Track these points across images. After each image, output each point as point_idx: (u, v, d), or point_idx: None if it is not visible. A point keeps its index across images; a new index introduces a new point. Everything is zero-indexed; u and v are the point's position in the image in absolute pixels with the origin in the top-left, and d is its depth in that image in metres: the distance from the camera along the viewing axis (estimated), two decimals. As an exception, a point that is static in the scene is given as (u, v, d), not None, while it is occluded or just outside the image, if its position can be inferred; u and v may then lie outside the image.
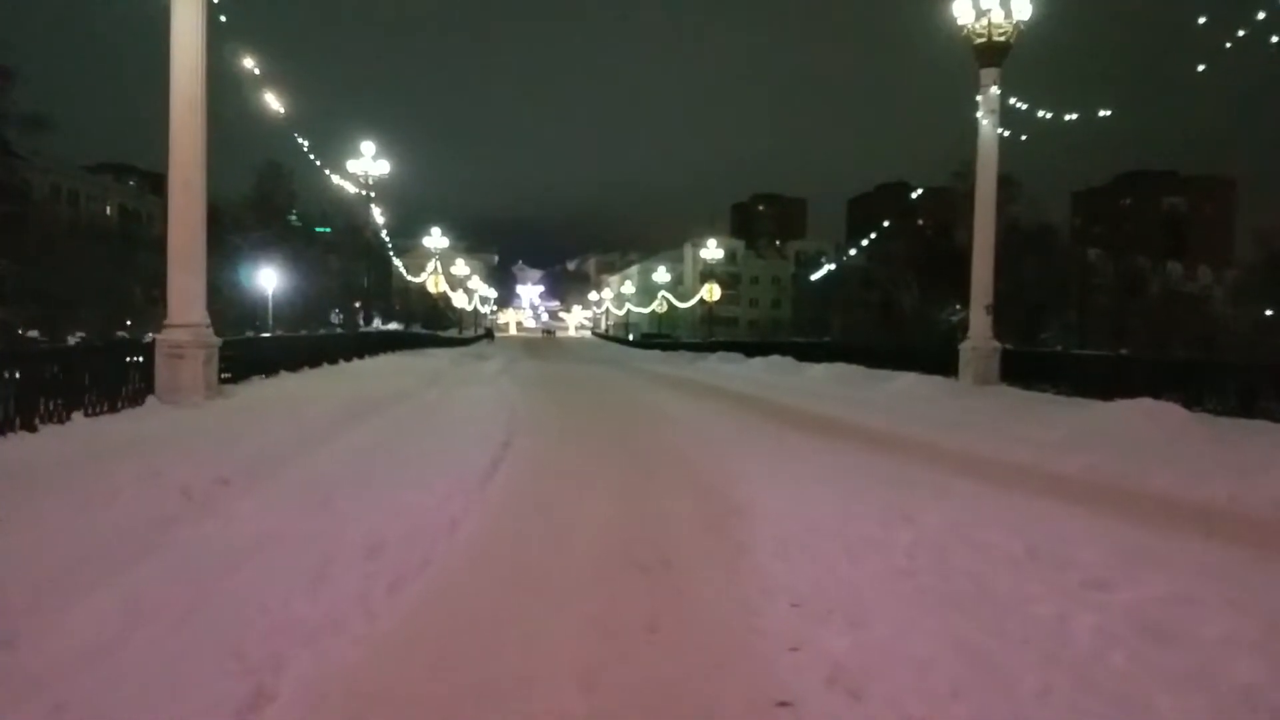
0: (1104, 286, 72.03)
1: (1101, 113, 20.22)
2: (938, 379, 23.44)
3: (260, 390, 17.51)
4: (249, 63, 19.71)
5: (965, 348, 24.14)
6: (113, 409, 13.25)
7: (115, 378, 13.80)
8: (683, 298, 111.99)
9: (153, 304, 64.23)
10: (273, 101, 21.23)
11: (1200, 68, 16.94)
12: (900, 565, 5.99)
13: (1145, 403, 14.71)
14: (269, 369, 21.01)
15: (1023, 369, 23.31)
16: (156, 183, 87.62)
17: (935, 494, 8.46)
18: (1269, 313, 70.34)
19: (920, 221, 79.77)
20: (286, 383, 19.77)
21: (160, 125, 15.39)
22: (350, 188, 34.31)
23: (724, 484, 8.98)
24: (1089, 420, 14.18)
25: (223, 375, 17.69)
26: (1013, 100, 24.15)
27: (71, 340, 34.81)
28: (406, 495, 7.96)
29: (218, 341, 15.82)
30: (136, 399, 14.09)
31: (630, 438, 12.99)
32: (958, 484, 9.16)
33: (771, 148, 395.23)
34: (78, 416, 12.12)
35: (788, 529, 6.92)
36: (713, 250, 70.35)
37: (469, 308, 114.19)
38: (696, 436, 12.97)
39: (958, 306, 63.85)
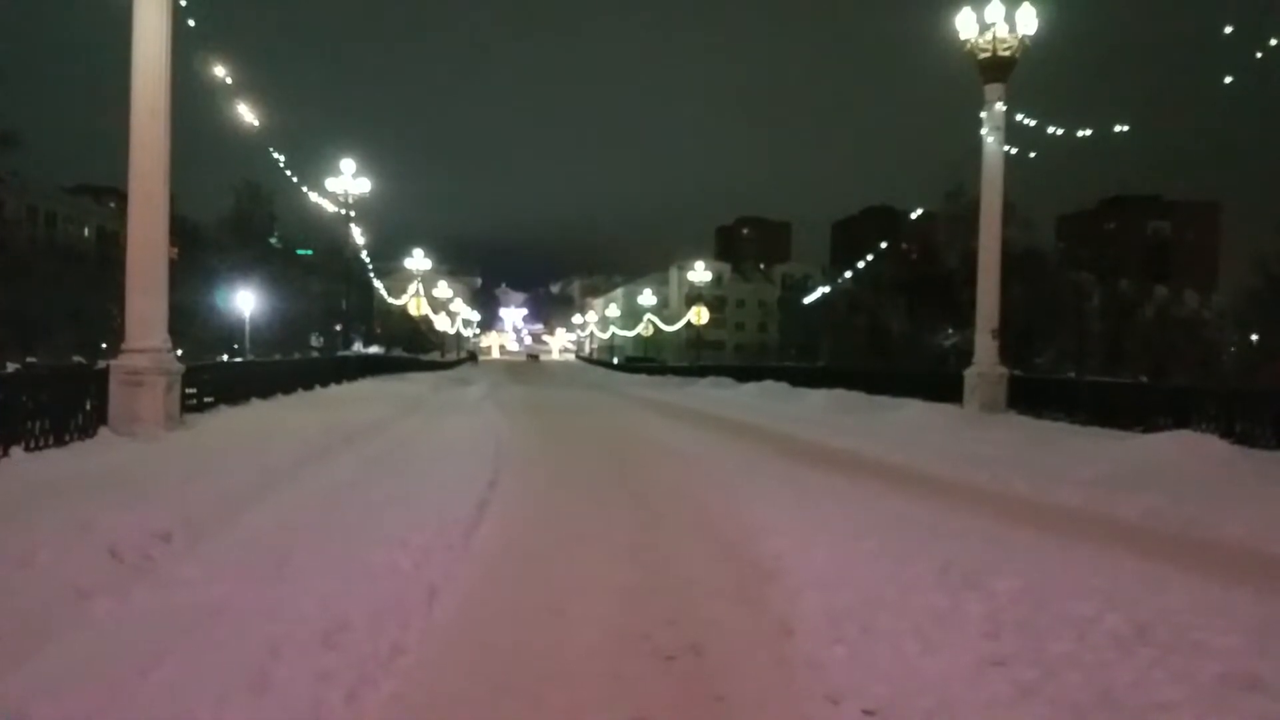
0: (1095, 311, 71.35)
1: (1118, 128, 19.27)
2: (944, 406, 22.46)
3: (227, 420, 16.27)
4: (224, 73, 18.66)
5: (971, 374, 23.16)
6: (59, 442, 12.03)
7: (64, 408, 12.58)
8: (668, 321, 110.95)
9: (129, 327, 62.64)
10: (247, 114, 20.12)
11: (1227, 79, 16.02)
12: (985, 651, 4.84)
13: (1184, 435, 13.72)
14: (239, 396, 19.79)
15: (1031, 396, 22.36)
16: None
17: (992, 548, 7.33)
18: (1255, 337, 69.85)
19: (904, 246, 79.06)
20: (256, 411, 18.52)
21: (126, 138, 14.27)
22: (329, 206, 33.11)
23: (746, 537, 7.82)
24: (1125, 455, 13.10)
25: (187, 404, 16.54)
26: (1019, 117, 23.33)
27: (11, 366, 33.27)
28: (378, 553, 6.76)
29: (180, 368, 14.63)
30: (88, 431, 12.87)
31: (630, 476, 11.84)
32: (1012, 535, 8.04)
33: (755, 171, 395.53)
34: (17, 451, 10.92)
35: (836, 599, 5.76)
36: (700, 272, 69.35)
37: (451, 331, 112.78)
38: (703, 475, 11.80)
39: (950, 330, 63.10)
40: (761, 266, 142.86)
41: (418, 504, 8.83)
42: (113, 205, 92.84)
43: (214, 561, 6.53)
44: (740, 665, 4.74)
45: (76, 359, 29.73)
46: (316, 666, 4.46)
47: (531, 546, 7.47)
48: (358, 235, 38.10)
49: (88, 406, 13.16)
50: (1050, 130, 21.55)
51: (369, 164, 36.52)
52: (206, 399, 17.94)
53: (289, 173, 23.51)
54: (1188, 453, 12.84)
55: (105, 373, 13.67)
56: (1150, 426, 17.47)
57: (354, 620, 5.20)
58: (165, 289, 14.41)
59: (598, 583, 6.33)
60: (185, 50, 16.18)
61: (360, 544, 7.10)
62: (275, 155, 22.96)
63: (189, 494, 8.69)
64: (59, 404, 12.42)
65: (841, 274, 56.15)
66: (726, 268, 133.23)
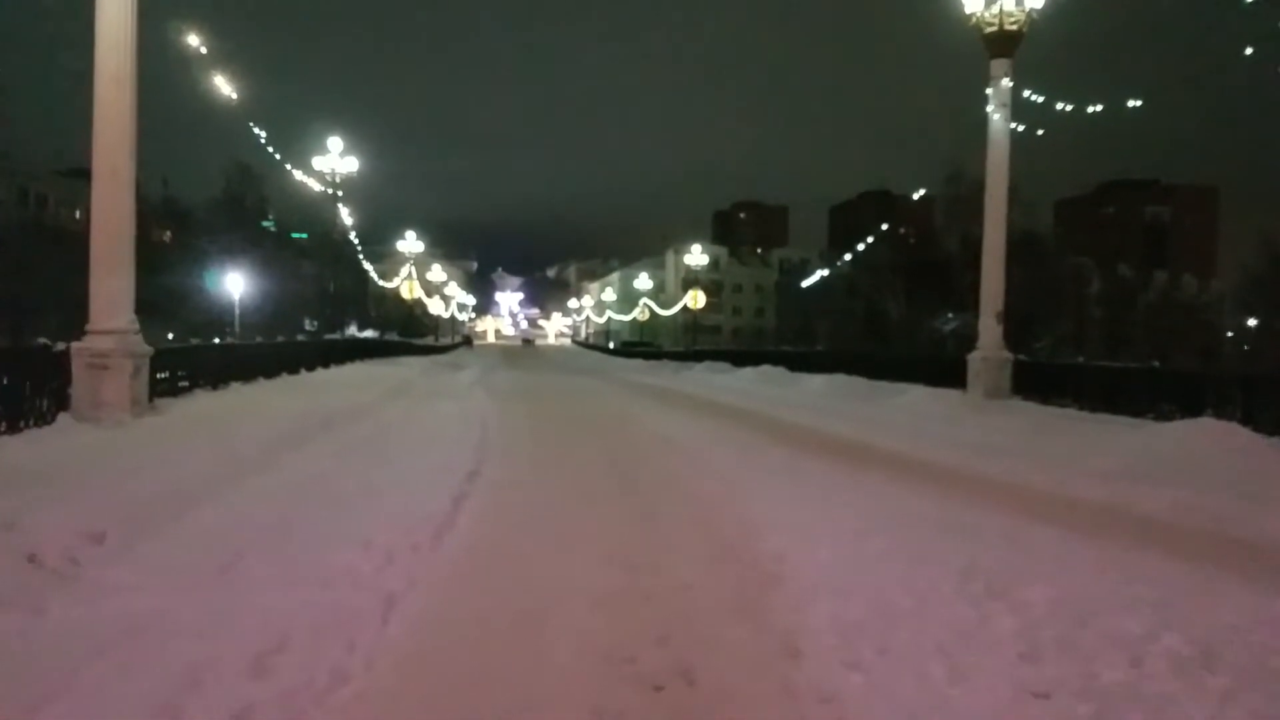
0: (1094, 296, 70.76)
1: (1131, 103, 18.51)
2: (947, 392, 21.82)
3: (201, 405, 15.55)
4: (203, 47, 18.04)
5: (975, 358, 22.46)
6: (13, 429, 11.28)
7: (20, 392, 11.86)
8: (664, 305, 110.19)
9: (122, 310, 61.58)
10: (229, 87, 19.43)
11: (1248, 50, 15.29)
12: (1025, 678, 4.15)
13: (1203, 423, 13.03)
14: (219, 380, 19.09)
15: (1036, 381, 21.69)
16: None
17: (1015, 549, 6.65)
18: (1252, 322, 69.34)
19: (902, 230, 78.37)
20: (235, 396, 17.81)
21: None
22: (314, 185, 32.28)
23: (745, 534, 7.13)
24: (1143, 444, 12.43)
25: (162, 388, 15.87)
26: (1026, 93, 22.60)
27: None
28: (337, 555, 6.08)
29: (149, 350, 13.87)
30: (47, 417, 12.15)
31: (622, 466, 11.12)
32: (1034, 533, 7.35)
33: (753, 155, 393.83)
34: (-37, 439, 10.22)
35: (847, 610, 5.08)
36: (697, 256, 68.51)
37: (446, 315, 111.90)
38: (700, 465, 11.10)
39: (949, 315, 62.43)
40: (759, 251, 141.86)
41: (389, 498, 8.15)
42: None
43: (150, 566, 5.84)
44: (740, 698, 4.04)
45: (41, 341, 28.76)
46: (236, 701, 3.77)
47: (509, 547, 6.77)
48: (345, 215, 37.28)
49: (48, 391, 12.45)
50: (1059, 106, 20.75)
51: (365, 147, 35.98)
52: (182, 383, 17.25)
53: (270, 149, 22.79)
54: (1208, 441, 12.16)
55: (66, 355, 12.94)
56: (1161, 414, 16.86)
57: (294, 638, 4.52)
58: (132, 268, 13.67)
59: (581, 590, 5.63)
60: (160, 15, 15.75)
61: (319, 544, 6.42)
62: (257, 131, 22.30)
63: (139, 486, 8.01)
64: (14, 388, 11.70)
65: (840, 258, 55.35)
66: (723, 252, 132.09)
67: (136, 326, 13.62)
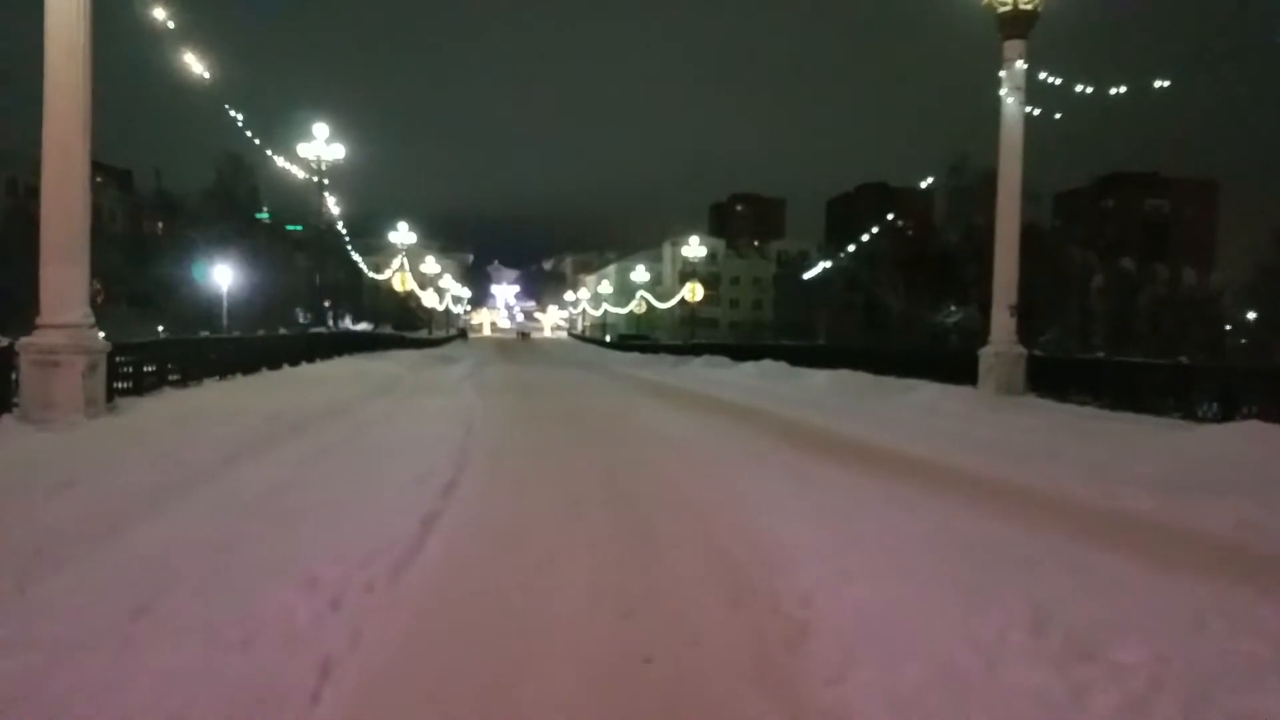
0: (1097, 289, 69.80)
1: (1158, 83, 17.47)
2: (958, 389, 20.83)
3: (167, 404, 14.54)
4: (191, 33, 17.15)
5: (986, 353, 21.51)
6: (-52, 434, 10.29)
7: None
8: (661, 298, 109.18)
9: (111, 302, 60.83)
10: (201, 67, 18.37)
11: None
12: (1150, 790, 3.13)
13: (1251, 426, 12.06)
14: (192, 376, 18.11)
15: (1051, 378, 20.73)
16: (123, 179, 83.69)
17: (1084, 585, 5.61)
18: (1252, 316, 68.43)
19: (900, 222, 77.25)
20: (206, 394, 16.79)
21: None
22: (299, 173, 31.15)
23: (761, 563, 6.08)
24: (1187, 448, 11.44)
25: (127, 386, 14.89)
26: (1042, 75, 21.59)
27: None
28: (273, 596, 5.04)
29: (105, 346, 12.85)
30: (-11, 420, 11.14)
31: (619, 475, 10.05)
32: (1099, 561, 6.31)
33: (750, 147, 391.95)
34: (-112, 446, 9.19)
35: (900, 678, 4.04)
36: (694, 248, 67.39)
37: (440, 308, 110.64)
38: (703, 472, 10.04)
39: (952, 308, 61.41)
40: (756, 243, 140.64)
41: (350, 518, 7.09)
42: (99, 180, 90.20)
43: (43, 614, 4.80)
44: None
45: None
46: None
47: (482, 582, 5.71)
48: (332, 204, 36.15)
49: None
50: (1079, 89, 19.69)
51: (363, 139, 35.16)
52: (149, 380, 16.20)
53: (249, 133, 21.74)
54: (1255, 446, 11.18)
55: (12, 352, 11.91)
56: (1189, 413, 15.93)
57: (192, 727, 3.48)
58: (86, 256, 12.62)
59: (566, 649, 4.58)
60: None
61: (256, 580, 5.38)
62: (234, 115, 21.26)
63: (63, 504, 6.99)
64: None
65: (841, 250, 54.31)
66: (721, 244, 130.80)
67: (92, 320, 12.63)
